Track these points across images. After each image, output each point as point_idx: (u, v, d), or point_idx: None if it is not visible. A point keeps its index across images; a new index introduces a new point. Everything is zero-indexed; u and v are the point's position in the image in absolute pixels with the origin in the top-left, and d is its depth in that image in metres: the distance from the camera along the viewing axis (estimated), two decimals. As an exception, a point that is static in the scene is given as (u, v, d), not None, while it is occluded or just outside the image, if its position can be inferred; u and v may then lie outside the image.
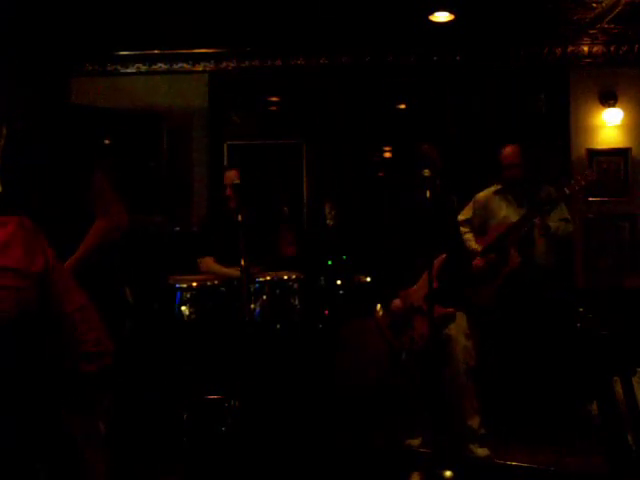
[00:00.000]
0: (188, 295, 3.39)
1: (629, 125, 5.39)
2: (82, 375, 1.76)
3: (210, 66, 5.57)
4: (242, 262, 3.18)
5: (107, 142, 5.19)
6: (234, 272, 3.57)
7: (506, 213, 4.35)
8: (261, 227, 3.87)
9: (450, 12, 4.77)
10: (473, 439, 3.57)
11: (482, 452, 3.55)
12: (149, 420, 3.56)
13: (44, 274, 1.71)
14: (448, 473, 2.99)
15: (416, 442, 3.69)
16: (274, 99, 5.91)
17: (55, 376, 1.74)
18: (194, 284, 3.41)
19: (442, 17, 4.82)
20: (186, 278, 3.48)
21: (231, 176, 3.90)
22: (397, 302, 3.65)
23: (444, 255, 3.50)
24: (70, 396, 1.78)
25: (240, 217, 3.23)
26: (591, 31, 5.11)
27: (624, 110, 5.34)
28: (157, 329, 3.54)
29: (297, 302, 3.50)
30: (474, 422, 3.57)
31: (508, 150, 4.40)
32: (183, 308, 3.38)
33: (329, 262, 5.71)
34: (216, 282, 3.45)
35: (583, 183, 4.24)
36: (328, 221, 5.95)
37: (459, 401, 3.56)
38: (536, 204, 4.18)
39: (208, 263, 3.80)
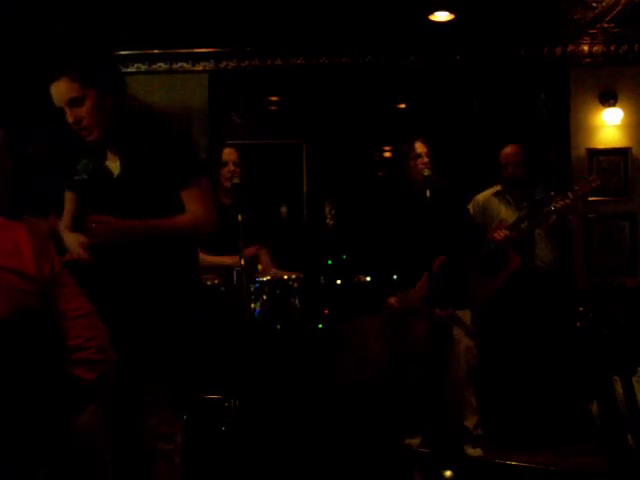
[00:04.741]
0: (188, 295, 3.37)
1: (629, 125, 5.37)
2: (79, 382, 1.75)
3: (210, 66, 5.55)
4: (242, 262, 3.18)
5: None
6: (224, 260, 3.55)
7: (505, 215, 4.33)
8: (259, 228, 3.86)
9: (450, 12, 4.76)
10: (468, 439, 3.58)
11: (474, 452, 3.57)
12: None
13: (50, 280, 1.72)
14: (448, 473, 3.00)
15: (416, 442, 3.69)
16: (274, 99, 5.90)
17: (56, 379, 1.73)
18: (194, 284, 3.39)
19: (442, 17, 4.81)
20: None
21: (230, 153, 3.88)
22: (392, 300, 3.65)
23: (443, 257, 3.51)
24: (68, 401, 1.77)
25: (240, 217, 3.24)
26: (591, 31, 5.10)
27: (624, 110, 5.33)
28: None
29: (297, 302, 3.50)
30: (471, 422, 3.58)
31: (508, 149, 4.40)
32: (183, 308, 3.36)
33: (329, 262, 5.72)
34: (216, 282, 3.44)
35: (586, 189, 4.17)
36: (328, 221, 5.96)
37: (458, 401, 3.57)
38: (539, 215, 4.13)
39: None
